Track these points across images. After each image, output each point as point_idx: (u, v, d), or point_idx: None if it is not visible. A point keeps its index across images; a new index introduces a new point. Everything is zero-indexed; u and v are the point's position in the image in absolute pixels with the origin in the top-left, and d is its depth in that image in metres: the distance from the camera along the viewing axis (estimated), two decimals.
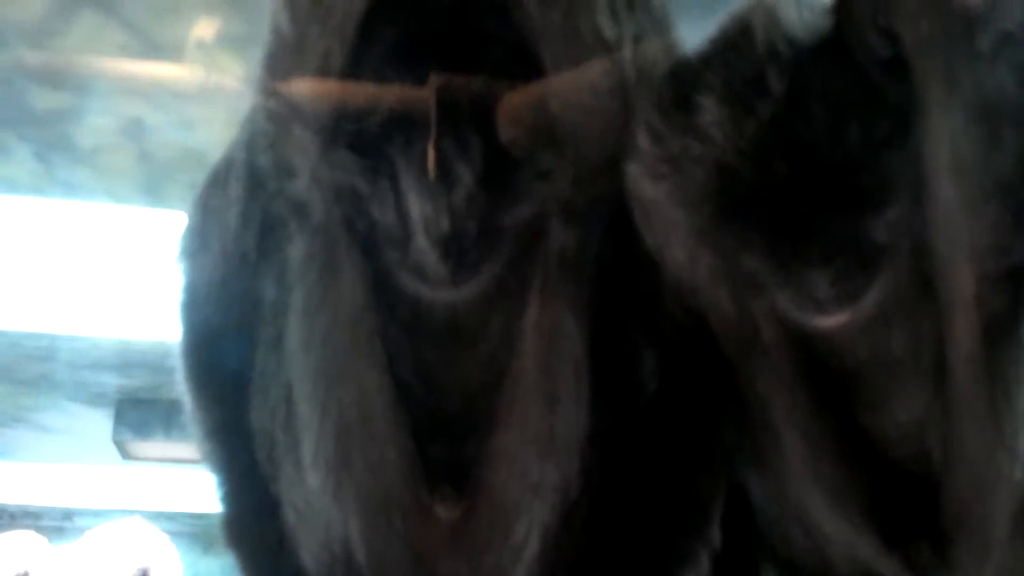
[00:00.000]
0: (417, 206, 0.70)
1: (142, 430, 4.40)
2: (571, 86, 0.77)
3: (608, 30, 0.69)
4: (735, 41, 0.72)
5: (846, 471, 0.85)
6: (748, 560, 0.93)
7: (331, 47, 0.69)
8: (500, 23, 0.70)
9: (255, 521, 0.88)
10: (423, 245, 0.71)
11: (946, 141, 0.67)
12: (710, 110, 0.69)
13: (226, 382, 0.89)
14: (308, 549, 0.82)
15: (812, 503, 0.85)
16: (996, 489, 0.80)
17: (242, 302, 0.87)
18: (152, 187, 3.20)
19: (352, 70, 0.69)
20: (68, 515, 5.58)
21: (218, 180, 0.88)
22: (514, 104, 0.75)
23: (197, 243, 0.90)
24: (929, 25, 0.64)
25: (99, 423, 4.48)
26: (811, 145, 0.67)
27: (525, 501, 0.81)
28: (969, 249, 0.72)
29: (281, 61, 0.71)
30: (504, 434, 0.81)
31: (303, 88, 0.72)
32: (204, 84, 2.78)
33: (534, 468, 0.81)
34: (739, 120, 0.68)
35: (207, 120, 2.91)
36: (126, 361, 4.18)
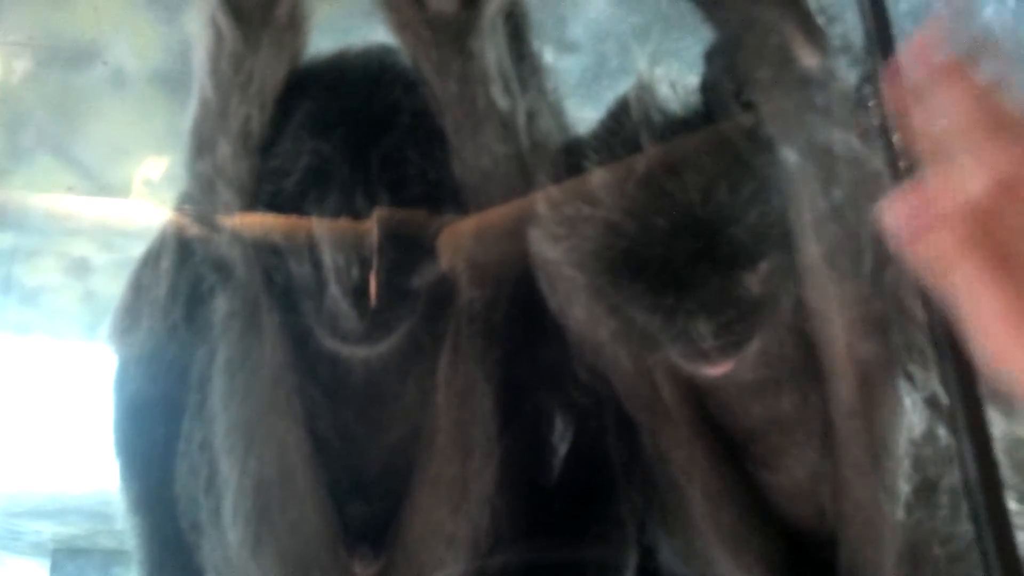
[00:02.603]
0: (330, 257, 0.75)
1: None
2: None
3: (501, 102, 0.76)
4: (617, 115, 0.80)
5: (746, 526, 0.88)
6: None
7: (251, 113, 0.75)
8: (407, 95, 0.77)
9: None
10: (336, 294, 0.75)
11: (805, 200, 0.75)
12: (597, 175, 0.76)
13: (153, 454, 0.91)
14: None
15: (716, 558, 0.88)
16: (883, 534, 0.85)
17: (169, 373, 0.90)
18: (95, 326, 3.22)
19: (270, 137, 0.75)
20: None
21: (149, 259, 0.92)
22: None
23: (128, 321, 0.94)
24: (780, 89, 0.72)
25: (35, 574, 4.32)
26: (685, 204, 0.74)
27: (440, 556, 0.84)
28: (837, 300, 0.79)
29: (205, 126, 0.77)
30: (419, 490, 0.85)
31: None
32: (150, 222, 2.85)
33: (447, 523, 0.84)
34: (621, 182, 0.75)
35: None
36: (62, 508, 4.08)
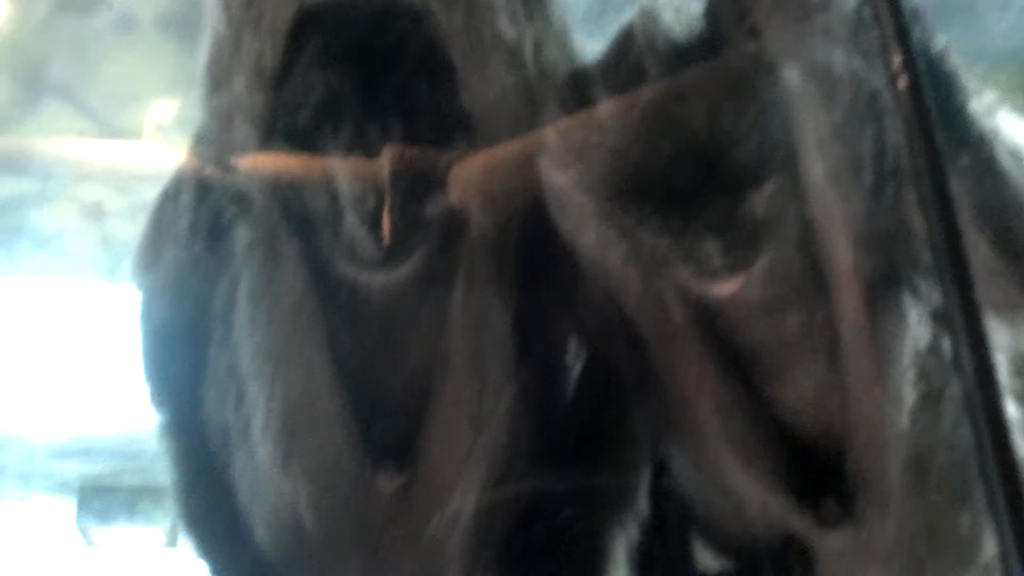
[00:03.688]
0: (345, 186, 0.77)
1: (105, 517, 4.35)
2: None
3: (508, 33, 0.77)
4: (622, 42, 0.81)
5: (756, 437, 0.91)
6: (677, 529, 0.98)
7: (264, 48, 0.76)
8: (415, 27, 0.78)
9: (211, 507, 0.92)
10: (352, 222, 0.77)
11: (808, 120, 0.76)
12: (604, 103, 0.77)
13: (182, 380, 0.94)
14: (261, 522, 0.86)
15: (727, 468, 0.91)
16: (888, 443, 0.87)
17: (195, 303, 0.93)
18: (113, 269, 3.24)
19: (283, 71, 0.76)
20: None
21: (169, 195, 0.94)
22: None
23: (152, 256, 0.96)
24: (783, 15, 0.73)
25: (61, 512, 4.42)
26: (690, 128, 0.75)
27: (459, 472, 0.87)
28: (841, 217, 0.81)
29: (219, 63, 0.79)
30: (438, 410, 0.87)
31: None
32: (161, 166, 2.87)
33: (466, 441, 0.86)
34: (627, 109, 0.76)
35: None
36: (87, 448, 4.16)
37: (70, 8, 2.44)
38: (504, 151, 0.85)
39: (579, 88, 0.81)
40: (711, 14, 0.79)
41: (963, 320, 0.66)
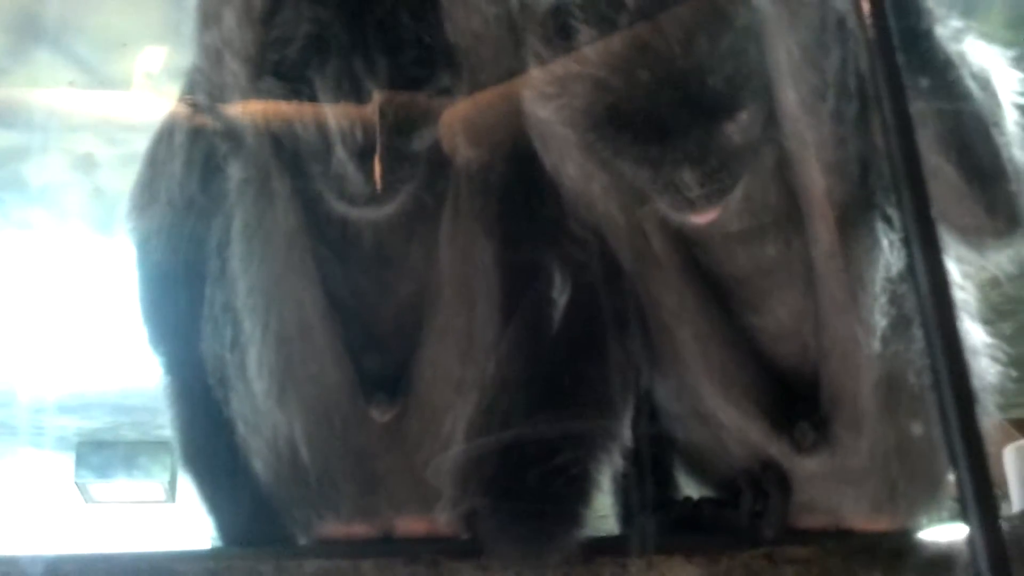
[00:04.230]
0: (335, 125, 0.81)
1: (103, 472, 4.43)
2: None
3: None
4: None
5: (734, 363, 0.96)
6: (659, 456, 1.03)
7: (244, 19, 0.80)
8: None
9: (209, 442, 0.96)
10: (342, 158, 0.81)
11: (780, 49, 0.80)
12: (584, 33, 0.81)
13: (178, 319, 0.99)
14: (258, 455, 0.91)
15: (706, 394, 0.96)
16: (861, 367, 0.92)
17: (190, 243, 0.96)
18: (106, 221, 3.27)
19: (272, 7, 0.80)
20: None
21: (163, 135, 0.98)
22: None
23: (146, 196, 1.00)
24: None
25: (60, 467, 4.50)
26: (667, 58, 0.79)
27: (449, 400, 0.91)
28: (814, 144, 0.84)
29: (211, 3, 0.82)
30: (429, 341, 0.92)
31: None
32: (152, 116, 2.89)
33: (456, 369, 0.91)
34: (607, 43, 0.80)
35: None
36: (85, 404, 4.22)
37: None
38: (492, 95, 0.88)
39: (560, 19, 0.84)
40: None
41: (920, 244, 0.69)
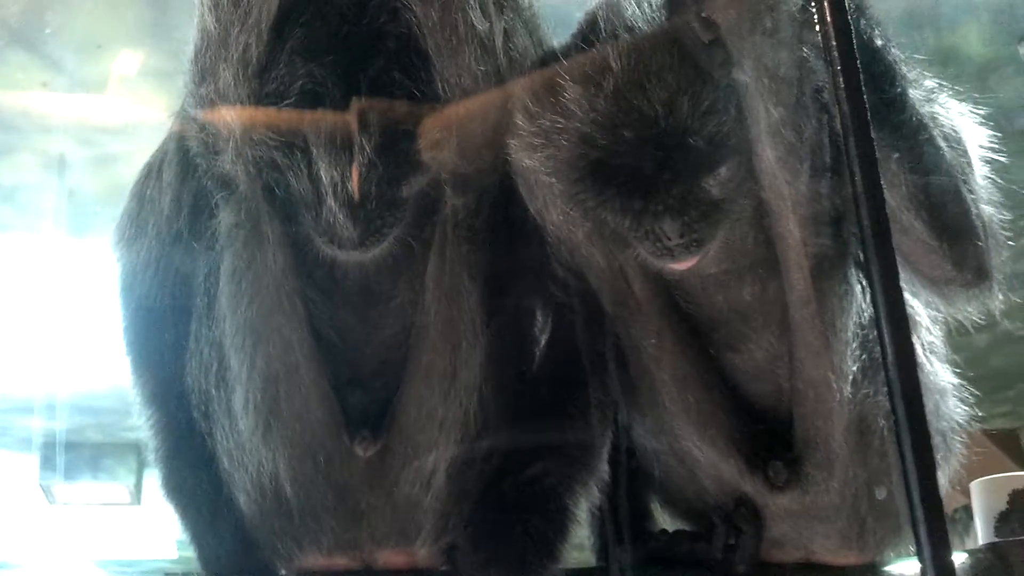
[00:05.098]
0: (326, 173, 0.85)
1: (68, 474, 4.43)
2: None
3: (480, 25, 0.85)
4: (585, 32, 0.89)
5: (710, 403, 1.01)
6: (636, 491, 1.08)
7: (249, 42, 0.83)
8: (392, 21, 0.85)
9: (192, 473, 1.00)
10: (333, 206, 0.85)
11: (760, 109, 0.84)
12: (569, 90, 0.85)
13: (164, 351, 1.02)
14: (241, 488, 0.95)
15: (682, 432, 1.01)
16: (833, 410, 0.97)
17: (176, 277, 1.00)
18: (78, 223, 3.28)
19: (267, 62, 0.83)
20: None
21: (152, 171, 1.01)
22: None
23: (133, 230, 1.03)
24: (737, 12, 0.80)
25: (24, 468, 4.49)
26: (650, 117, 0.83)
27: (431, 437, 0.95)
28: (790, 199, 0.89)
29: (207, 55, 0.85)
30: (412, 380, 0.96)
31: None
32: (126, 118, 2.90)
33: (439, 408, 0.95)
34: (591, 96, 0.84)
35: (130, 154, 3.03)
36: (49, 404, 4.21)
37: None
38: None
39: (547, 71, 0.88)
40: (670, 5, 0.87)
41: (882, 293, 0.74)
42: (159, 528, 5.47)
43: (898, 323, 0.74)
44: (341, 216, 0.86)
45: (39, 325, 3.70)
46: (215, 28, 0.82)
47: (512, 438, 0.98)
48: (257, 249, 0.90)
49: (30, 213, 3.23)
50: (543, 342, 1.02)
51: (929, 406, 1.00)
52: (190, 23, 2.54)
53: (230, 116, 0.84)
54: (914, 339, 0.99)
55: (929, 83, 0.90)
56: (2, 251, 3.35)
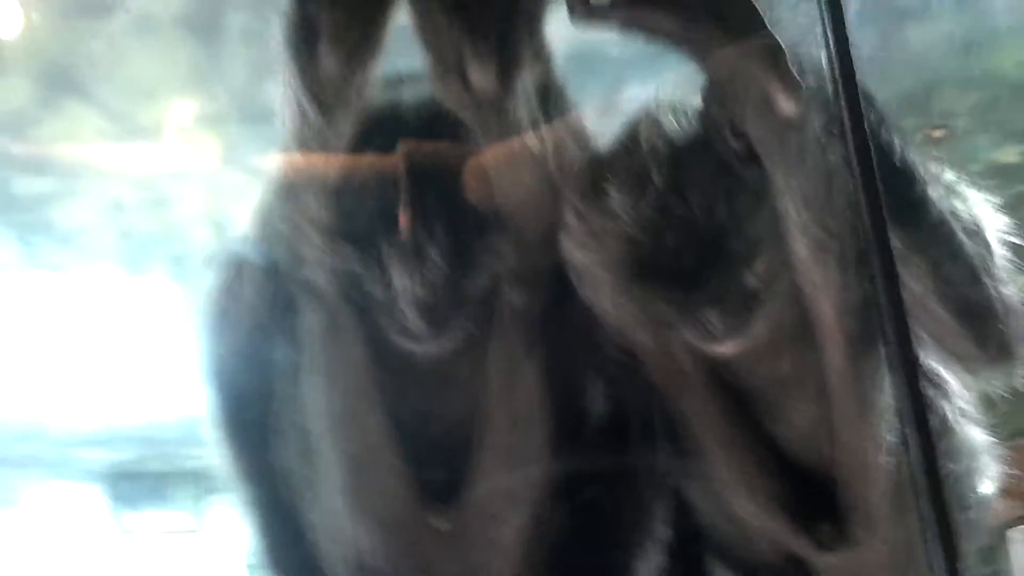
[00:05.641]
0: (399, 280, 0.97)
1: (132, 503, 4.63)
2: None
3: (533, 144, 0.96)
4: (627, 145, 0.99)
5: (758, 469, 1.11)
6: (694, 552, 1.18)
7: (330, 168, 0.95)
8: (456, 139, 0.97)
9: (287, 544, 1.12)
10: (406, 309, 0.97)
11: (790, 210, 0.95)
12: (615, 197, 0.96)
13: (252, 431, 1.15)
14: (332, 561, 1.07)
15: (733, 497, 1.11)
16: (871, 475, 1.06)
17: (261, 365, 1.12)
18: (134, 261, 3.46)
19: (344, 190, 0.96)
20: None
21: (236, 264, 1.14)
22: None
23: (219, 320, 1.16)
24: (765, 122, 0.91)
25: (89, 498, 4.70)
26: (690, 219, 0.94)
27: (502, 509, 1.07)
28: (823, 286, 0.99)
29: (292, 179, 0.98)
30: (481, 456, 1.07)
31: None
32: (179, 163, 3.06)
33: (506, 482, 1.07)
34: (636, 204, 0.95)
35: (183, 196, 3.19)
36: (113, 436, 4.41)
37: (88, 11, 2.62)
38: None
39: (594, 178, 0.99)
40: (705, 115, 0.97)
41: (903, 377, 0.84)
42: (226, 554, 5.66)
43: (916, 400, 0.83)
44: (412, 316, 0.98)
45: (100, 361, 3.88)
46: (299, 155, 0.94)
47: (574, 505, 1.09)
48: (337, 345, 1.02)
49: (88, 254, 3.41)
50: (598, 414, 1.13)
51: (962, 467, 1.12)
52: (239, 70, 2.72)
53: (310, 231, 0.96)
54: (945, 405, 1.10)
55: (949, 176, 1.00)
56: (63, 290, 3.54)
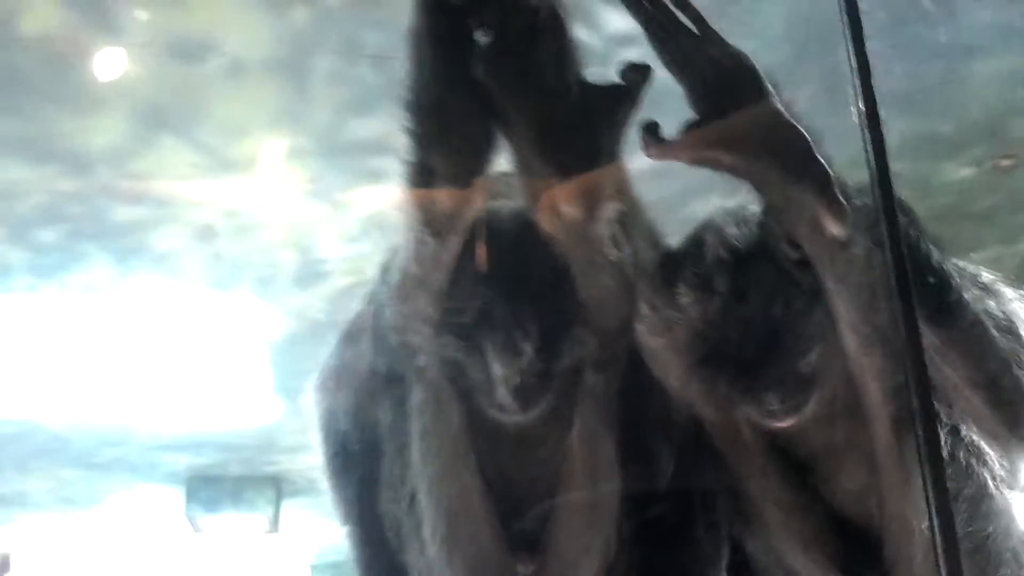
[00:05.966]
0: (497, 369, 1.13)
1: (212, 506, 4.86)
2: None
3: (613, 255, 1.11)
4: (695, 248, 1.14)
5: (811, 527, 1.25)
6: None
7: (440, 278, 1.11)
8: (547, 253, 1.12)
9: None
10: (501, 392, 1.13)
11: (840, 309, 1.09)
12: (684, 294, 1.11)
13: (359, 479, 1.32)
14: None
15: (788, 552, 1.25)
16: (915, 536, 1.20)
17: (368, 424, 1.29)
18: (219, 283, 3.67)
19: (451, 289, 1.12)
20: None
21: (350, 337, 1.31)
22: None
23: (334, 381, 1.33)
24: (816, 240, 1.05)
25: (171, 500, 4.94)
26: (751, 315, 1.08)
27: (579, 559, 1.22)
28: (871, 374, 1.13)
29: (407, 286, 1.13)
30: (561, 512, 1.23)
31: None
32: (266, 192, 3.26)
33: (584, 535, 1.22)
34: (702, 303, 1.10)
35: (270, 223, 3.39)
36: (195, 442, 4.64)
37: (184, 56, 2.81)
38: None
39: (666, 275, 1.15)
40: (764, 226, 1.12)
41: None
42: (295, 554, 5.91)
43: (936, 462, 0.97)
44: (507, 397, 1.14)
45: (186, 372, 4.11)
46: (416, 272, 1.11)
47: (644, 558, 1.24)
48: (439, 416, 1.19)
49: (180, 275, 3.62)
50: (666, 475, 1.28)
51: (1001, 527, 1.24)
52: (323, 110, 2.91)
53: (420, 325, 1.13)
54: (985, 473, 1.23)
55: (986, 277, 1.13)
56: (155, 309, 3.76)
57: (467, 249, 1.10)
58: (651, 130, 1.00)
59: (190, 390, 4.30)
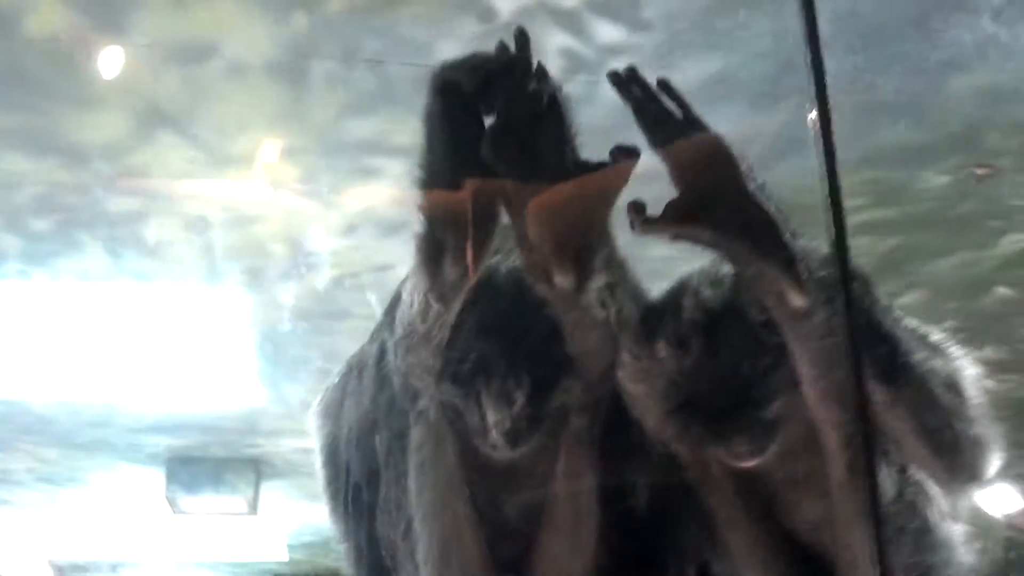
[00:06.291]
0: (491, 416, 1.25)
1: (192, 487, 4.98)
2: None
3: (601, 314, 1.24)
4: (672, 308, 1.27)
5: (774, 554, 1.38)
6: None
7: (443, 334, 1.24)
8: (540, 312, 1.24)
9: None
10: (495, 435, 1.26)
11: (803, 365, 1.22)
12: (661, 348, 1.24)
13: (357, 504, 1.44)
14: None
15: (751, 574, 1.39)
16: (866, 564, 1.34)
17: (367, 451, 1.42)
18: (211, 273, 3.77)
19: (452, 343, 1.24)
20: (114, 568, 6.18)
21: (353, 370, 1.43)
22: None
23: (336, 410, 1.46)
24: (781, 308, 1.18)
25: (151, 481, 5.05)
26: (722, 373, 1.21)
27: None
28: (829, 422, 1.26)
29: (412, 341, 1.26)
30: (545, 539, 1.36)
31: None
32: (262, 187, 3.36)
33: (566, 560, 1.35)
34: (678, 358, 1.23)
35: (265, 216, 3.50)
36: (177, 424, 4.75)
37: (185, 56, 2.90)
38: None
39: (646, 330, 1.27)
40: (735, 289, 1.25)
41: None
42: (272, 534, 6.04)
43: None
44: (499, 439, 1.27)
45: (173, 356, 4.21)
46: (420, 329, 1.23)
47: None
48: (436, 451, 1.31)
49: (171, 264, 3.72)
50: (643, 506, 1.41)
51: (942, 557, 1.38)
52: (320, 110, 3.04)
53: (422, 374, 1.25)
54: (929, 509, 1.37)
55: (936, 337, 1.27)
56: (143, 296, 3.87)
57: (468, 307, 1.22)
58: (638, 208, 1.13)
59: (174, 374, 4.41)
